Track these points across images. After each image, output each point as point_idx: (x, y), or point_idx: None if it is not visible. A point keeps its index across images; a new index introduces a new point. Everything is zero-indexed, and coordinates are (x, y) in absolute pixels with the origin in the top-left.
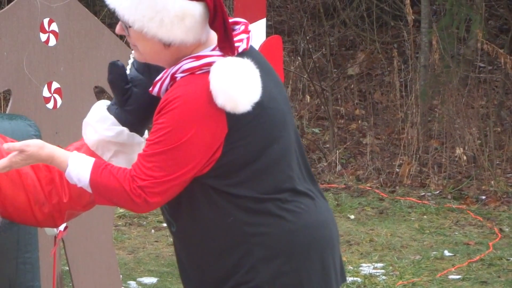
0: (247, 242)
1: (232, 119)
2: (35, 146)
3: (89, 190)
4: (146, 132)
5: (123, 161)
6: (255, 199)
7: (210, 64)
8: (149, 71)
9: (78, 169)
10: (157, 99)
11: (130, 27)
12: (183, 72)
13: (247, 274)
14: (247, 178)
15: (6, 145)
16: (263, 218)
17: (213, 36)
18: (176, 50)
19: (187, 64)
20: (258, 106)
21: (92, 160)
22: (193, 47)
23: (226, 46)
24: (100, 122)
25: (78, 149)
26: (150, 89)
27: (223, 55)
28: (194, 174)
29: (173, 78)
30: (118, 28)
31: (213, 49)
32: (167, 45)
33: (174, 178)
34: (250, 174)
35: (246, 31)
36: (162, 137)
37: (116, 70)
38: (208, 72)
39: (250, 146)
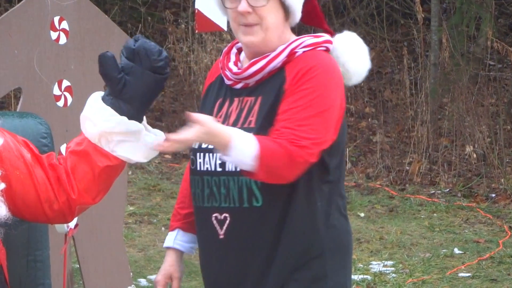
0: (320, 230)
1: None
2: (210, 121)
3: (252, 162)
4: (145, 118)
5: (129, 149)
6: (340, 193)
7: (329, 42)
8: (139, 57)
9: (244, 143)
10: (153, 84)
11: None
12: (306, 46)
13: (313, 261)
14: (339, 164)
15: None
16: (337, 213)
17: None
18: (285, 27)
19: (310, 40)
20: None
21: (250, 134)
22: (286, 32)
23: (329, 30)
24: (97, 115)
25: (79, 144)
26: (250, 63)
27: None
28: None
29: (292, 53)
30: (244, 6)
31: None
32: (286, 19)
33: (324, 141)
34: (339, 162)
35: None
36: (313, 101)
37: (107, 61)
38: (326, 49)
39: (343, 134)
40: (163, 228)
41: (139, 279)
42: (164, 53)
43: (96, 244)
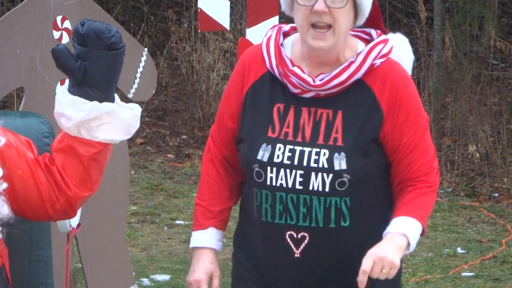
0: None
1: None
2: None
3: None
4: (116, 96)
5: (109, 131)
6: None
7: (392, 47)
8: (90, 40)
9: (412, 232)
10: (112, 62)
11: None
12: (382, 56)
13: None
14: None
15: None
16: None
17: None
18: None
19: (384, 48)
20: None
21: (406, 217)
22: (348, 35)
23: (384, 30)
24: (69, 108)
25: (61, 141)
26: (333, 76)
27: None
28: None
29: (371, 64)
30: (322, 5)
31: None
32: (354, 23)
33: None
34: None
35: None
36: (424, 127)
37: (61, 54)
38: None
39: None
40: (165, 228)
41: (141, 279)
42: (114, 29)
43: (98, 244)
